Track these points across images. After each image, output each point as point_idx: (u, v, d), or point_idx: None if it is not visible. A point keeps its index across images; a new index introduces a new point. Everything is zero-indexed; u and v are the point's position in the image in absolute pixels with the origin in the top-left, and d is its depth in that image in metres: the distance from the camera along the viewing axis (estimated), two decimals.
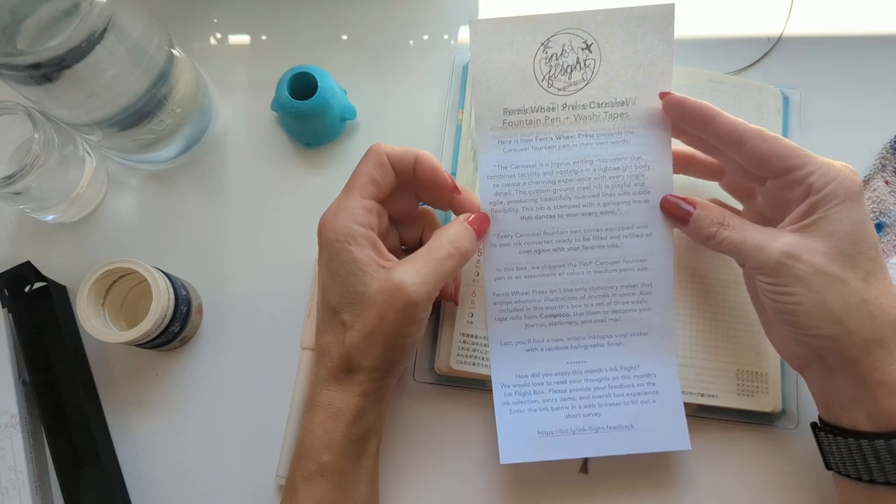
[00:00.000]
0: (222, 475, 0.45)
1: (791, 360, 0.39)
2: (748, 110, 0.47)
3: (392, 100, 0.52)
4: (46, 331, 0.45)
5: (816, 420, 0.40)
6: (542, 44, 0.40)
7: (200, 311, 0.48)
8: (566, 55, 0.40)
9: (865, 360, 0.34)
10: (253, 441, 0.45)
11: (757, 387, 0.43)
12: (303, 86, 0.48)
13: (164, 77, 0.44)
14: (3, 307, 0.46)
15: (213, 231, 0.50)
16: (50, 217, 0.48)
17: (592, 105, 0.41)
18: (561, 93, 0.41)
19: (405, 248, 0.44)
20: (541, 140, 0.41)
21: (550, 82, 0.41)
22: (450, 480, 0.44)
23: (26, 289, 0.45)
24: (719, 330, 0.44)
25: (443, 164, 0.43)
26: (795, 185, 0.36)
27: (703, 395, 0.43)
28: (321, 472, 0.37)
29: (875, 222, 0.47)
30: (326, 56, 0.52)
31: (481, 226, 0.40)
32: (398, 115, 0.52)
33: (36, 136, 0.42)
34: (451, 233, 0.38)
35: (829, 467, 0.39)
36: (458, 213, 0.41)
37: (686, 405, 0.42)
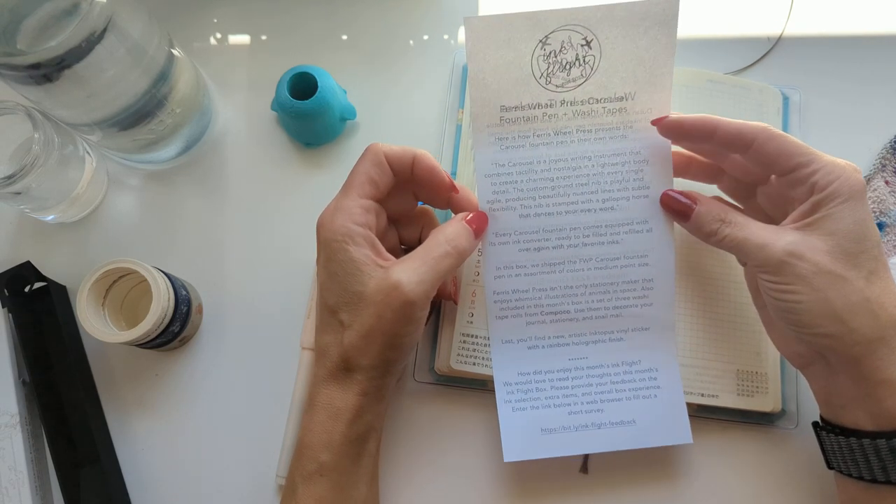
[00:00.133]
0: (222, 475, 0.45)
1: (792, 358, 0.39)
2: (748, 110, 0.47)
3: (392, 100, 0.52)
4: (46, 331, 0.45)
5: (817, 419, 0.39)
6: (541, 41, 0.39)
7: (200, 311, 0.48)
8: (565, 52, 0.40)
9: (867, 359, 0.34)
10: (253, 441, 0.45)
11: (757, 387, 0.43)
12: (303, 86, 0.48)
13: (164, 77, 0.44)
14: (3, 307, 0.46)
15: (213, 231, 0.50)
16: (50, 217, 0.48)
17: (591, 101, 0.41)
18: (559, 89, 0.40)
19: (404, 248, 0.44)
20: (538, 137, 0.41)
21: (548, 79, 0.40)
22: (450, 480, 0.44)
23: (26, 289, 0.46)
24: (719, 330, 0.44)
25: (443, 165, 0.43)
26: (799, 183, 0.36)
27: (703, 395, 0.43)
28: (321, 472, 0.37)
29: (876, 222, 0.47)
30: (326, 56, 0.52)
31: (479, 224, 0.40)
32: (398, 115, 0.52)
33: (36, 136, 0.42)
34: (449, 231, 0.38)
35: (830, 467, 0.39)
36: (456, 212, 0.41)
37: (686, 405, 0.42)
